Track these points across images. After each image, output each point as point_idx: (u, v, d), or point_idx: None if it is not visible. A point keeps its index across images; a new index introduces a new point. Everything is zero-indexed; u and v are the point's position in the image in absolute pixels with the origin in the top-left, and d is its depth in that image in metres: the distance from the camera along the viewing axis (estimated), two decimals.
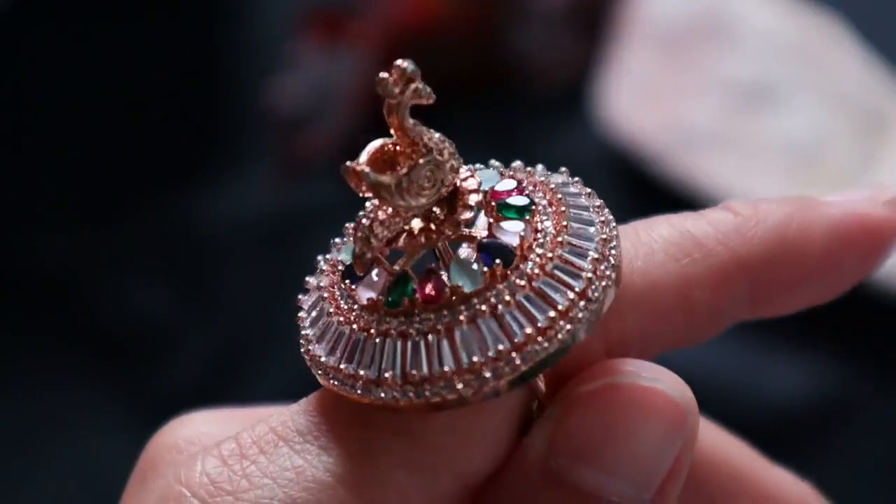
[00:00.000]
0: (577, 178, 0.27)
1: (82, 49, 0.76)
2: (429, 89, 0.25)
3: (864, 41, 0.72)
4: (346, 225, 0.27)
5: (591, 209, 0.26)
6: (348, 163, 0.24)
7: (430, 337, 0.24)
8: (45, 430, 0.65)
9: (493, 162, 0.27)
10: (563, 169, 0.27)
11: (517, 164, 0.27)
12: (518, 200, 0.25)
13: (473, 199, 0.25)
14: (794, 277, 0.27)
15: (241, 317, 0.67)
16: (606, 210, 0.26)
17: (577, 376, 0.25)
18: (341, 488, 0.24)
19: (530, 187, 0.26)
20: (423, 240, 0.25)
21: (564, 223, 0.25)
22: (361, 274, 0.25)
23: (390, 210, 0.25)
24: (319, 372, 0.25)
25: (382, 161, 0.25)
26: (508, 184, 0.26)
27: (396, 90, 0.25)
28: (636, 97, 0.70)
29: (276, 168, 0.71)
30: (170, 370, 0.65)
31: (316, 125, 0.70)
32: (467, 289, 0.24)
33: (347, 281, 0.25)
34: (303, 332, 0.26)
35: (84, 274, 0.69)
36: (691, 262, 0.26)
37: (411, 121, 0.25)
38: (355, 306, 0.25)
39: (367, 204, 0.26)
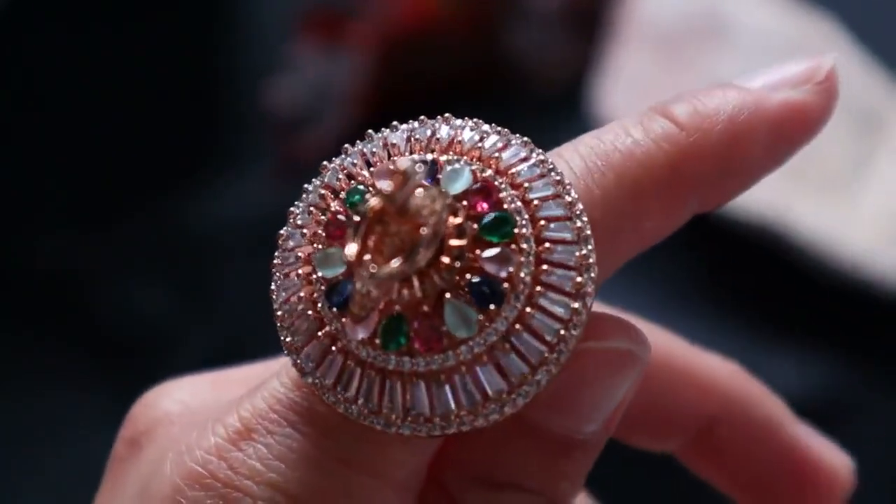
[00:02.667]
0: (518, 138, 0.27)
1: (81, 49, 0.77)
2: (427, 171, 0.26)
3: (859, 41, 0.72)
4: (325, 164, 0.28)
5: (558, 196, 0.26)
6: (348, 253, 0.25)
7: (429, 381, 0.25)
8: (44, 431, 0.65)
9: (443, 127, 0.27)
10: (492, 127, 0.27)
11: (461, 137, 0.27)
12: (498, 220, 0.26)
13: (456, 242, 0.25)
14: (737, 178, 0.28)
15: (240, 317, 0.67)
16: (557, 173, 0.26)
17: None
18: (346, 469, 0.25)
19: (502, 186, 0.26)
20: (416, 288, 0.25)
21: (543, 238, 0.25)
22: (355, 323, 0.25)
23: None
24: (317, 390, 0.26)
25: (374, 223, 0.25)
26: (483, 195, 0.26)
27: (399, 194, 0.25)
28: (633, 97, 0.70)
29: (274, 168, 0.71)
30: (169, 370, 0.65)
31: (314, 125, 0.71)
32: (464, 335, 0.25)
33: (334, 308, 0.26)
34: (286, 340, 0.26)
35: (83, 274, 0.69)
36: (636, 184, 0.26)
37: (405, 196, 0.25)
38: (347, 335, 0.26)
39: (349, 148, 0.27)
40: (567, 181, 0.26)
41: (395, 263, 0.25)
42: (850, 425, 0.61)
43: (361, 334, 0.25)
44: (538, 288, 0.25)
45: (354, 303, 0.25)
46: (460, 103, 0.70)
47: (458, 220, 0.25)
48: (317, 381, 0.26)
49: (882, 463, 0.61)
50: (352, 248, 0.25)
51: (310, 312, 0.26)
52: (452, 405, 0.25)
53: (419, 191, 0.25)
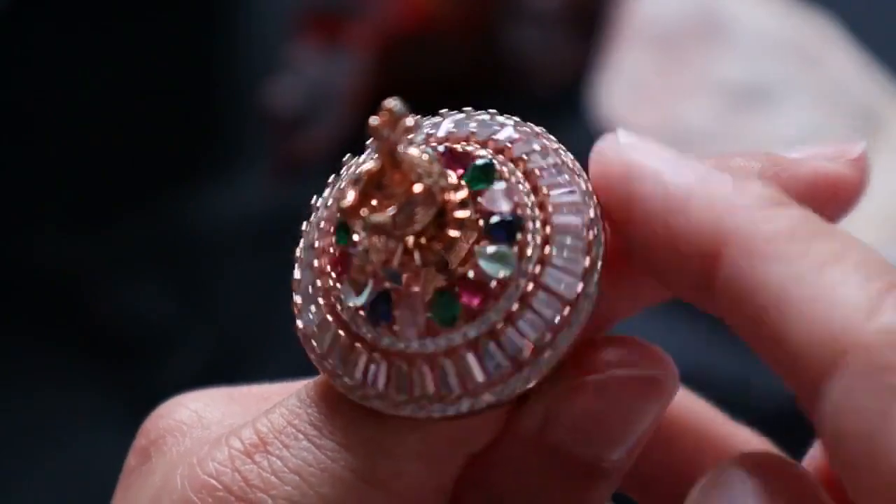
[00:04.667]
0: (541, 133, 0.27)
1: (80, 49, 0.77)
2: (416, 119, 0.26)
3: (858, 41, 0.72)
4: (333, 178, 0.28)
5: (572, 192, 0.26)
6: (343, 203, 0.25)
7: (452, 358, 0.25)
8: (43, 431, 0.65)
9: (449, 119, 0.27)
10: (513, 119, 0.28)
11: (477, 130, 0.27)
12: (483, 167, 0.26)
13: (461, 214, 0.25)
14: None
15: (239, 317, 0.67)
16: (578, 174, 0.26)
17: (576, 359, 0.26)
18: (363, 484, 0.25)
19: (514, 178, 0.26)
20: (417, 258, 0.25)
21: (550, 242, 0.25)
22: (358, 296, 0.25)
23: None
24: (340, 387, 0.26)
25: (372, 185, 0.25)
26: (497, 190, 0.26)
27: (386, 132, 0.25)
28: (631, 97, 0.70)
29: (273, 168, 0.71)
30: (168, 370, 0.65)
31: (313, 125, 0.70)
32: (507, 273, 0.25)
33: (362, 313, 0.26)
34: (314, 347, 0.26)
35: (82, 274, 0.69)
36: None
37: (400, 150, 0.25)
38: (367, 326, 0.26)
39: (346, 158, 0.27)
40: (580, 170, 0.26)
41: (390, 211, 0.25)
42: None
43: (353, 301, 0.25)
44: (547, 228, 0.25)
45: (352, 267, 0.25)
46: (459, 103, 0.70)
47: (463, 193, 0.26)
48: (328, 366, 0.26)
49: None
50: (350, 195, 0.25)
51: (321, 301, 0.26)
52: (479, 376, 0.25)
53: (413, 149, 0.25)
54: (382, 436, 0.25)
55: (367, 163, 0.25)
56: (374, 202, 0.25)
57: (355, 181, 0.25)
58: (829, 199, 0.27)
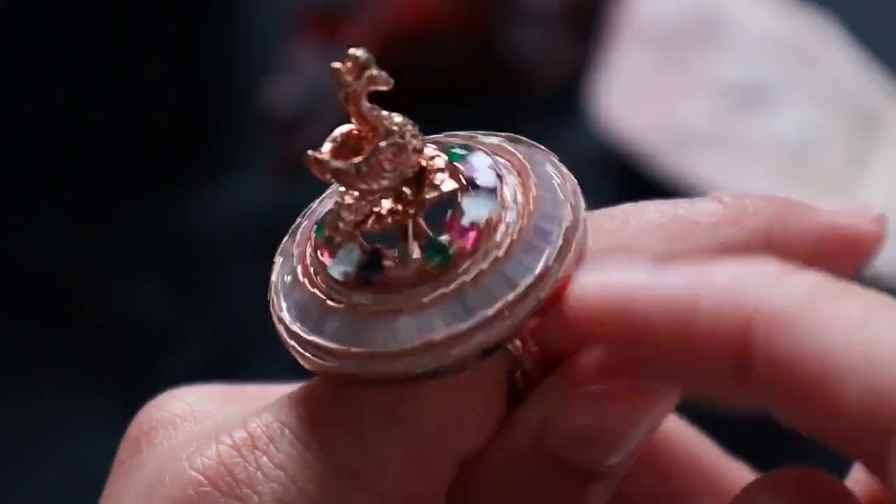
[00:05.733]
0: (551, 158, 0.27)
1: (79, 49, 0.77)
2: (385, 75, 0.26)
3: (857, 41, 0.72)
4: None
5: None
6: (310, 151, 0.25)
7: (423, 308, 0.25)
8: (42, 431, 0.65)
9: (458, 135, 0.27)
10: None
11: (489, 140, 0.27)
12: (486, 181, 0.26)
13: (440, 177, 0.25)
14: None
15: (238, 316, 0.67)
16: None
17: (573, 365, 0.26)
18: (347, 482, 0.25)
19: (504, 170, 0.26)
20: (390, 220, 0.25)
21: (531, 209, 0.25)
22: (331, 258, 0.25)
23: (356, 194, 0.25)
24: (299, 349, 0.26)
25: (349, 147, 0.25)
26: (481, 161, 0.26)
27: (350, 79, 0.25)
28: (630, 97, 0.70)
29: (272, 168, 0.71)
30: (168, 369, 0.65)
31: (312, 126, 0.71)
32: (489, 212, 0.25)
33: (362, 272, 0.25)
34: (280, 314, 0.26)
35: (81, 274, 0.69)
36: (677, 246, 0.26)
37: (368, 105, 0.25)
38: (330, 281, 0.25)
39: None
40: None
41: (356, 161, 0.25)
42: None
43: (340, 267, 0.25)
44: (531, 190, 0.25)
45: (326, 224, 0.25)
46: (458, 103, 0.70)
47: (441, 160, 0.26)
48: (282, 321, 0.26)
49: None
50: (325, 147, 0.25)
51: (299, 268, 0.26)
52: (441, 330, 0.24)
53: (384, 112, 0.25)
54: (367, 434, 0.25)
55: (342, 126, 0.25)
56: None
57: (332, 139, 0.25)
58: (845, 251, 0.27)
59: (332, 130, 0.26)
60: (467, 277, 0.25)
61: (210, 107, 0.76)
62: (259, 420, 0.26)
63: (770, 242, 0.26)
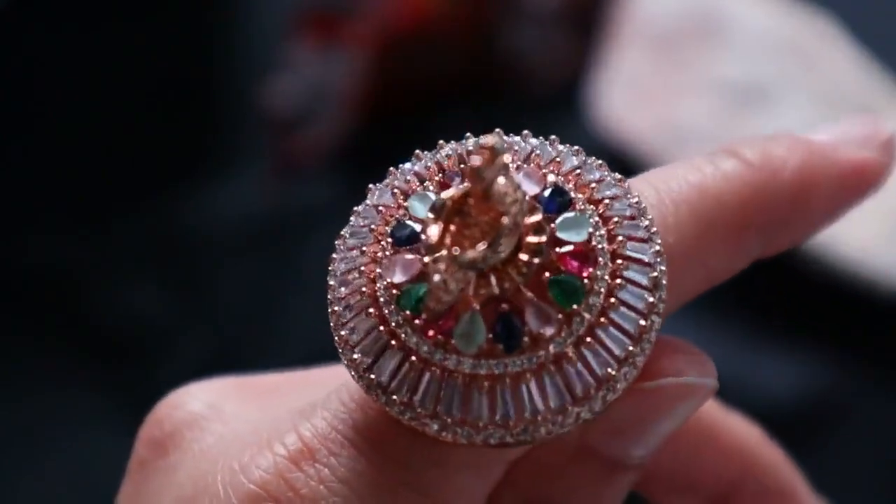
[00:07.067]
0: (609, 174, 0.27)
1: (77, 49, 0.77)
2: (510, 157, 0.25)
3: (856, 40, 0.72)
4: (392, 169, 0.27)
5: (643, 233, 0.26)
6: (428, 238, 0.24)
7: (522, 381, 0.24)
8: (41, 431, 0.65)
9: (509, 141, 0.27)
10: (575, 149, 0.27)
11: (541, 146, 0.27)
12: (575, 218, 0.25)
13: (534, 239, 0.25)
14: (799, 226, 0.28)
15: (237, 316, 0.67)
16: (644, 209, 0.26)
17: None
18: (412, 494, 0.25)
19: (589, 211, 0.25)
20: (495, 288, 0.24)
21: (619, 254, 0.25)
22: (430, 320, 0.25)
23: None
24: (384, 402, 0.25)
25: (453, 214, 0.25)
26: (574, 229, 0.25)
27: (487, 174, 0.24)
28: (630, 97, 0.70)
29: (271, 168, 0.71)
30: (167, 370, 0.65)
31: (311, 125, 0.71)
32: (550, 332, 0.24)
33: (406, 311, 0.25)
34: (353, 357, 0.25)
35: (79, 274, 0.69)
36: (707, 218, 0.26)
37: (494, 183, 0.24)
38: (429, 345, 0.25)
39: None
40: (644, 204, 0.26)
41: (481, 247, 0.24)
42: (842, 425, 0.62)
43: (432, 331, 0.24)
44: (617, 280, 0.25)
45: (430, 296, 0.24)
46: (458, 103, 0.70)
47: (537, 217, 0.25)
48: (372, 379, 0.25)
49: (876, 463, 0.61)
50: (433, 230, 0.24)
51: (371, 310, 0.25)
52: (541, 405, 0.24)
53: (500, 179, 0.24)
54: (431, 444, 0.25)
55: (448, 190, 0.25)
56: (452, 227, 0.24)
57: (436, 211, 0.24)
58: (859, 184, 0.28)
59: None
60: (581, 343, 0.25)
61: (210, 106, 0.76)
62: (313, 427, 0.25)
63: (796, 197, 0.27)
